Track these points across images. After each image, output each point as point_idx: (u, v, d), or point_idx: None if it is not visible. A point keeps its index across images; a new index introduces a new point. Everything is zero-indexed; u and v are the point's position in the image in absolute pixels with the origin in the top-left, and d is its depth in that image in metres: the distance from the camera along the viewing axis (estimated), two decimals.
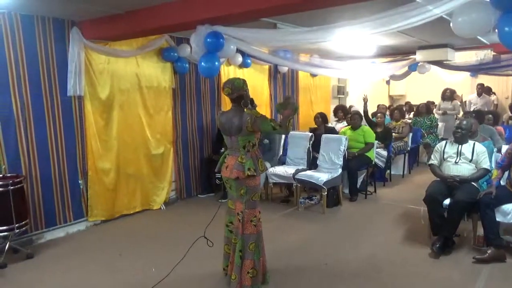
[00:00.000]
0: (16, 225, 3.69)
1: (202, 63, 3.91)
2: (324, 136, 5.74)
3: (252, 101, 3.03)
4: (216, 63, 3.94)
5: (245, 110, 2.98)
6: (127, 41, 4.81)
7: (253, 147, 3.03)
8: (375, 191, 6.03)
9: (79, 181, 4.61)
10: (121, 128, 4.94)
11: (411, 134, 7.16)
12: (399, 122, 7.24)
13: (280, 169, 5.53)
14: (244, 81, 3.06)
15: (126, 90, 4.98)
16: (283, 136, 6.13)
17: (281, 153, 6.04)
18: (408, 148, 7.12)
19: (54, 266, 3.68)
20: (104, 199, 4.80)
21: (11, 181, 3.67)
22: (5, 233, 3.68)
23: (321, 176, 5.10)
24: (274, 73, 7.52)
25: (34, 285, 3.36)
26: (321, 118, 6.40)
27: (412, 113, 8.98)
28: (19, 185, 3.75)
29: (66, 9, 3.92)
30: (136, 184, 5.18)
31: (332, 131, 6.34)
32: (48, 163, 4.31)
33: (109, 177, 4.84)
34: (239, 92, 2.99)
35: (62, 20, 4.30)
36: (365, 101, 7.21)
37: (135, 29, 4.10)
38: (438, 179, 4.08)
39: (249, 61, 6.55)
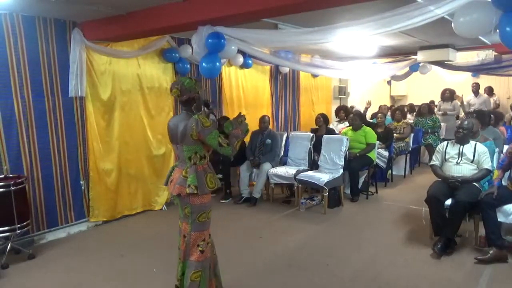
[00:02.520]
0: (18, 225, 3.70)
1: (203, 64, 3.91)
2: (325, 136, 5.74)
3: (206, 102, 2.71)
4: (217, 63, 3.93)
5: (195, 115, 2.56)
6: (129, 42, 4.83)
7: (200, 160, 2.61)
8: (376, 192, 6.03)
9: (81, 182, 4.62)
10: (123, 129, 4.95)
11: (412, 135, 7.15)
12: (400, 123, 7.23)
13: (281, 170, 5.53)
14: (196, 82, 2.65)
15: (127, 91, 4.99)
16: (284, 136, 6.13)
17: (282, 154, 6.04)
18: (410, 149, 7.11)
19: (55, 267, 3.68)
20: (106, 200, 4.81)
21: (13, 182, 3.68)
22: (7, 234, 3.69)
23: (322, 177, 5.10)
24: (275, 74, 7.52)
25: (36, 285, 3.37)
26: (323, 118, 6.45)
27: (414, 113, 8.95)
28: (20, 186, 3.76)
29: (68, 10, 3.93)
30: (137, 184, 5.19)
31: (332, 132, 6.36)
32: (50, 163, 4.32)
33: (110, 177, 4.84)
34: (189, 94, 2.59)
35: (63, 21, 4.31)
36: (368, 106, 7.21)
37: (136, 30, 4.12)
38: (440, 179, 4.08)
39: (250, 61, 6.57)
